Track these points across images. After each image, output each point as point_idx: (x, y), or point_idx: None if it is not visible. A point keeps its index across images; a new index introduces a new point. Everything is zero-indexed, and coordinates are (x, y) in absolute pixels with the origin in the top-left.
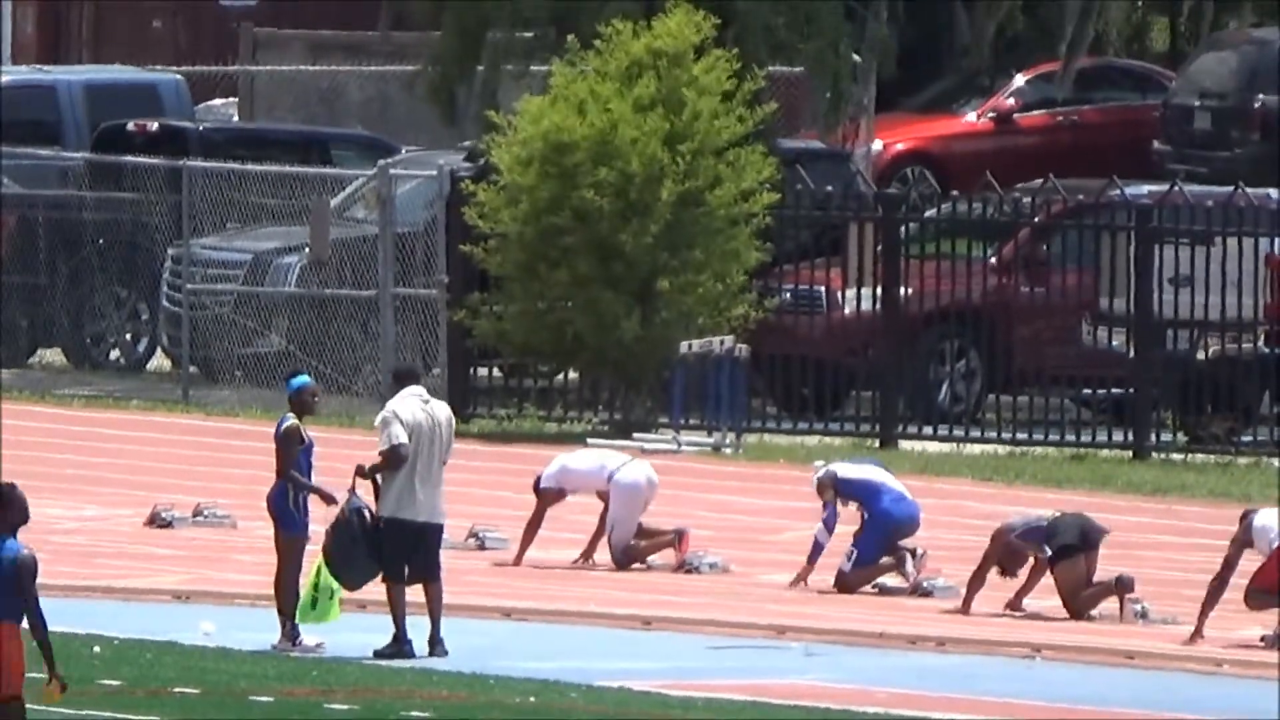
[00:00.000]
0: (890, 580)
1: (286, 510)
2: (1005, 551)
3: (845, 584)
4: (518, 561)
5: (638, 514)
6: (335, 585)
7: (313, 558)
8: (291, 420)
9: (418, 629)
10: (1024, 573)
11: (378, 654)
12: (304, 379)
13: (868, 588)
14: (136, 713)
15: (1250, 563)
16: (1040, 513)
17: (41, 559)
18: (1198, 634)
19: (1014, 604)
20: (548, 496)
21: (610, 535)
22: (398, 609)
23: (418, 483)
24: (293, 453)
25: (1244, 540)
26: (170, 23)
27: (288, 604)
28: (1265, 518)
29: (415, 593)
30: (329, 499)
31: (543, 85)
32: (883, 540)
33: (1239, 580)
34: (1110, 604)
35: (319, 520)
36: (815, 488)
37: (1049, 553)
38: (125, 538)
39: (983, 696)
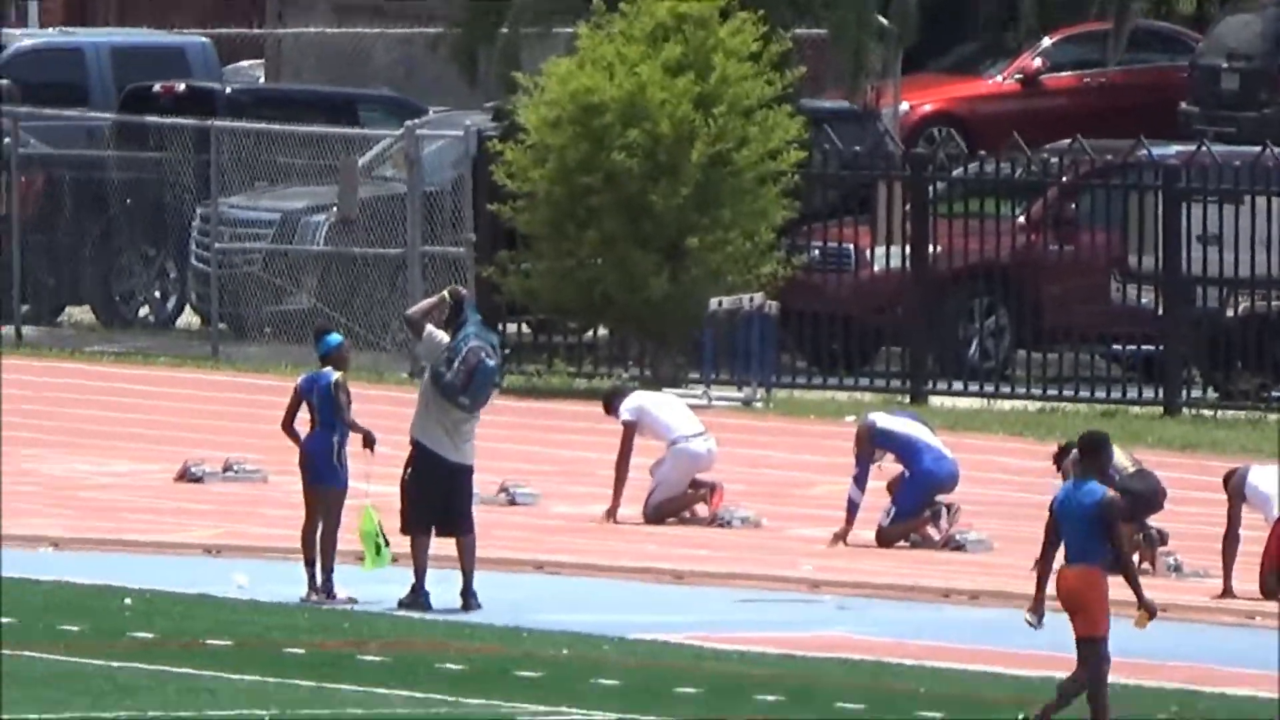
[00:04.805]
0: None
1: (331, 464)
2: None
3: (885, 538)
4: (612, 515)
5: (687, 482)
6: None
7: (352, 511)
8: (340, 373)
9: (451, 582)
10: None
11: (401, 604)
12: (338, 336)
13: (902, 541)
14: (169, 665)
15: (1251, 517)
16: (1115, 458)
17: (71, 515)
18: (1226, 590)
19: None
20: (629, 428)
21: (651, 493)
22: (419, 559)
23: (466, 425)
24: (345, 402)
25: (1240, 496)
26: None
27: (328, 559)
28: (1259, 477)
29: (448, 546)
30: (371, 440)
31: (565, 46)
32: (922, 497)
33: (1247, 533)
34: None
35: (357, 476)
36: (854, 438)
37: None
38: (156, 493)
39: (1015, 649)
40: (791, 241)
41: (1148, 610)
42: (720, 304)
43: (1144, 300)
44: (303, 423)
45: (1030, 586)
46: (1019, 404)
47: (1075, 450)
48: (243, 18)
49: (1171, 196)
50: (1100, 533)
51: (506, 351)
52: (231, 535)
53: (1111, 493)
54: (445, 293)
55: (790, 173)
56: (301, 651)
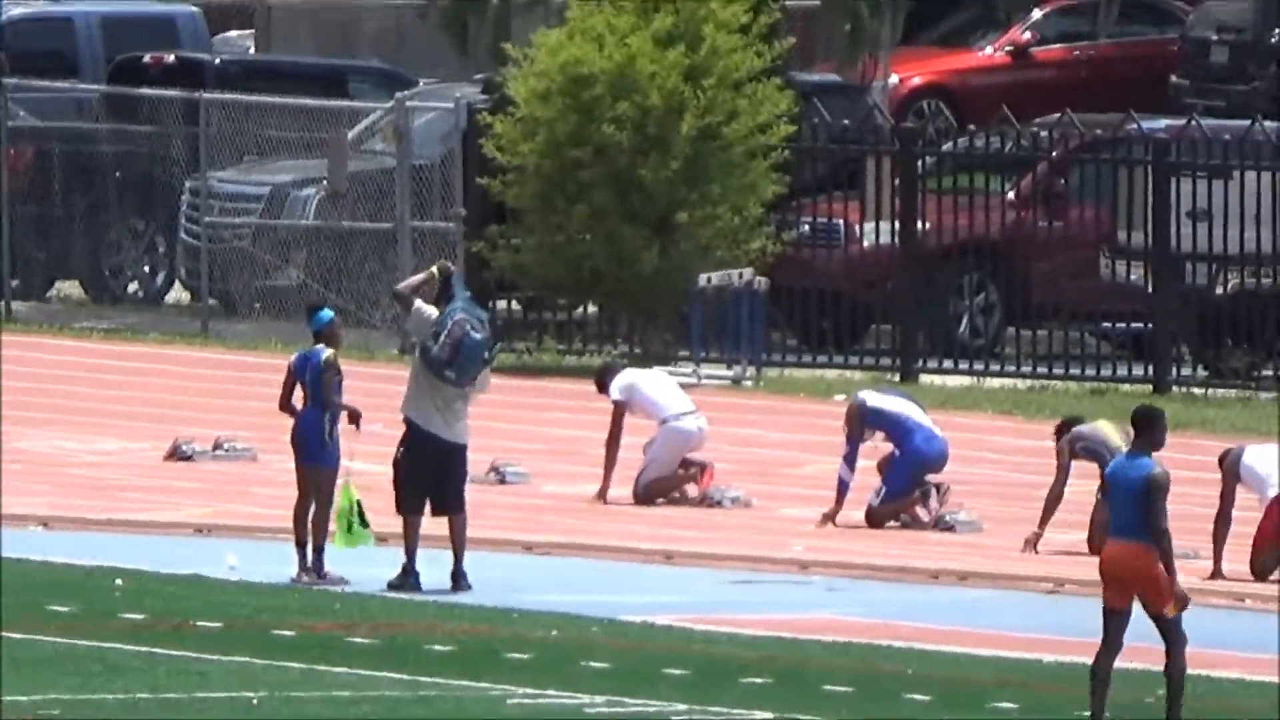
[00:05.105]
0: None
1: (321, 442)
2: (1065, 455)
3: (875, 518)
4: (603, 495)
5: (677, 461)
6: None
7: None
8: (331, 351)
9: (440, 562)
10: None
11: (390, 585)
12: (330, 312)
13: (892, 521)
14: (159, 646)
15: (1242, 497)
16: (1107, 437)
17: (60, 493)
18: (1216, 572)
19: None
20: (619, 408)
21: (642, 472)
22: (410, 541)
23: (458, 403)
24: (335, 382)
25: (1235, 475)
26: None
27: (319, 538)
28: (1254, 457)
29: (440, 527)
30: (357, 416)
31: (556, 17)
32: (912, 477)
33: (1240, 513)
34: None
35: (347, 454)
36: (844, 417)
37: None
38: (145, 471)
39: (1005, 631)
40: (781, 217)
41: (1177, 600)
42: (709, 280)
43: (1133, 276)
44: (298, 399)
45: (1018, 568)
46: (1008, 382)
47: (1073, 428)
48: None
49: (1161, 171)
50: (1143, 507)
51: (497, 327)
52: (222, 515)
53: (1158, 469)
54: (434, 268)
55: (780, 147)
56: (291, 633)
